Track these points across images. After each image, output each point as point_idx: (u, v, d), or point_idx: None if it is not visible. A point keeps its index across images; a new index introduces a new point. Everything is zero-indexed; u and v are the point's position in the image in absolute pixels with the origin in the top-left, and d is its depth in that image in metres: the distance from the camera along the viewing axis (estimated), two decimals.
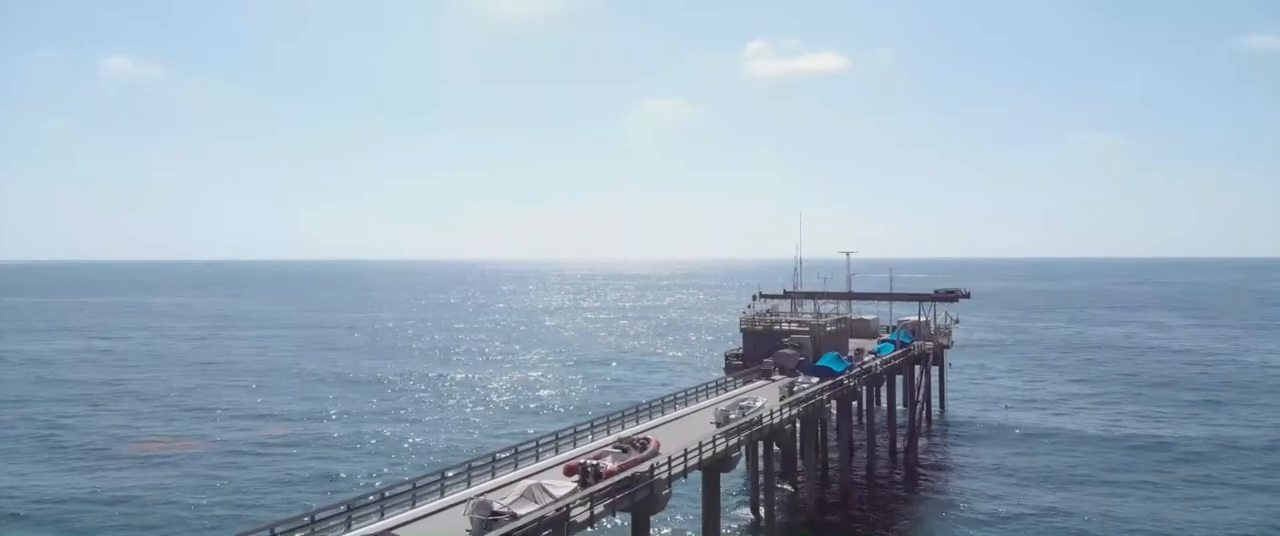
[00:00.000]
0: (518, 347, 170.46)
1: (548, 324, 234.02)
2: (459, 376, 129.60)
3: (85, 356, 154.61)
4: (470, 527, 31.16)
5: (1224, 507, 61.47)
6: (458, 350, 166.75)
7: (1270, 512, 59.72)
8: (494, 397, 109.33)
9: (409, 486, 35.92)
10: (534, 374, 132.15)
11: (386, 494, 34.77)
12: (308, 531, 30.31)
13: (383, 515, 33.58)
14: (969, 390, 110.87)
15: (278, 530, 29.38)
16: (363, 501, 33.68)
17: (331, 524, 31.44)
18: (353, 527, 32.07)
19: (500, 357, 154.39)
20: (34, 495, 65.36)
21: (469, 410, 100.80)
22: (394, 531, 30.88)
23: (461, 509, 32.23)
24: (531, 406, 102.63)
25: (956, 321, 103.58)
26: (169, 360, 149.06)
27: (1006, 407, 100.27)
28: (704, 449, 44.49)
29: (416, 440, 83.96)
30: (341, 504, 32.71)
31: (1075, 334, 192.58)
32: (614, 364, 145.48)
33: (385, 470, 70.95)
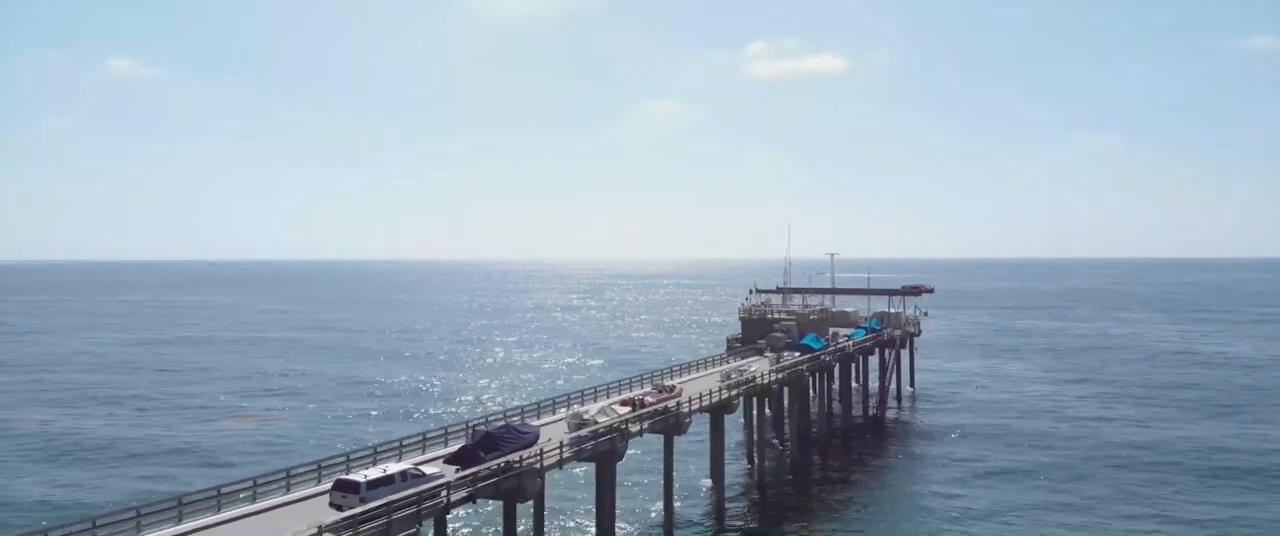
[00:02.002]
0: (543, 338, 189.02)
1: (562, 319, 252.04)
2: (492, 363, 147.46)
3: (142, 349, 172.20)
4: (567, 430, 49.02)
5: (1155, 495, 66.48)
6: (486, 341, 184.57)
7: (1209, 504, 64.19)
8: (533, 377, 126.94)
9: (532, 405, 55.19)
10: (566, 358, 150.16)
11: (544, 403, 56.44)
12: (479, 424, 48.04)
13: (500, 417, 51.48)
14: (943, 374, 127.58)
15: (420, 441, 46.95)
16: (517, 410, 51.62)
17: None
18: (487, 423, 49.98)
19: (530, 347, 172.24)
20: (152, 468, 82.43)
21: (512, 385, 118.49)
22: (540, 427, 48.65)
23: (564, 418, 50.24)
24: (569, 383, 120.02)
25: (926, 313, 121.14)
26: (222, 351, 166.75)
27: (978, 387, 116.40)
28: (713, 395, 62.35)
29: (479, 399, 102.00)
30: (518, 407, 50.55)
31: (1055, 330, 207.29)
32: (633, 350, 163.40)
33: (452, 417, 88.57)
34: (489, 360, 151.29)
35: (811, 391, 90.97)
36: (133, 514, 34.02)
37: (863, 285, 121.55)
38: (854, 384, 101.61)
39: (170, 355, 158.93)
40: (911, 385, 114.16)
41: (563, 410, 57.72)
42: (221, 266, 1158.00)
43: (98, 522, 32.83)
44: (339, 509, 34.93)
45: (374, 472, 36.41)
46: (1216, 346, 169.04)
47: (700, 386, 67.08)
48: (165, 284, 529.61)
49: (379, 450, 43.51)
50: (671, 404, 57.57)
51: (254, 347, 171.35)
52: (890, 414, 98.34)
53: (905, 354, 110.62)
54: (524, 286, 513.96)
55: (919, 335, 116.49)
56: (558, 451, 44.60)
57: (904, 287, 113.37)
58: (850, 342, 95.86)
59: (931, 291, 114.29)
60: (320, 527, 32.01)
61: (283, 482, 39.21)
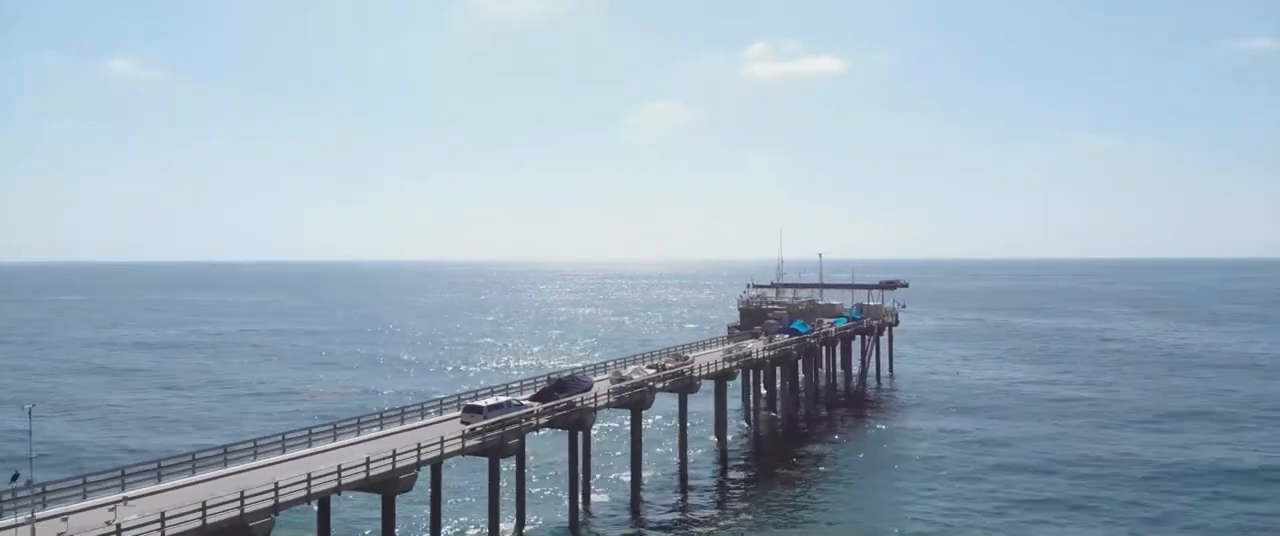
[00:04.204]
0: (558, 332, 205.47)
1: (569, 317, 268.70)
2: (514, 354, 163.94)
3: (184, 342, 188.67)
4: (610, 383, 65.61)
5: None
6: (505, 337, 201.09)
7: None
8: (561, 362, 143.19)
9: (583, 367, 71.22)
10: (584, 348, 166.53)
11: (589, 367, 72.66)
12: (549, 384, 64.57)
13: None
14: (920, 361, 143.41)
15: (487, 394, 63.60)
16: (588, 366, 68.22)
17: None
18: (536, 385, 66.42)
19: (548, 341, 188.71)
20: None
21: (541, 367, 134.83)
22: (595, 380, 65.18)
23: (608, 375, 66.89)
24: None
25: (903, 306, 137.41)
26: (259, 343, 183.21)
27: (952, 373, 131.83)
28: (717, 365, 78.95)
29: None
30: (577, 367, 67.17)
31: (1036, 326, 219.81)
32: (644, 342, 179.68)
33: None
34: (511, 350, 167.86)
35: (800, 369, 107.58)
36: (329, 427, 50.54)
37: (847, 281, 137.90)
38: (839, 370, 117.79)
39: (217, 346, 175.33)
40: (890, 369, 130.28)
41: (602, 373, 74.37)
42: (221, 267, 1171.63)
43: (313, 432, 49.39)
44: (466, 424, 51.30)
45: (491, 400, 52.97)
46: (1187, 341, 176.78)
47: (706, 359, 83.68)
48: (177, 286, 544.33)
49: (479, 393, 60.15)
50: (686, 369, 74.14)
51: (290, 344, 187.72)
52: (868, 391, 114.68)
53: (884, 341, 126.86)
54: (528, 287, 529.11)
55: (897, 325, 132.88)
56: (606, 396, 61.23)
57: (881, 283, 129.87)
58: (833, 329, 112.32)
59: (906, 286, 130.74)
60: (463, 434, 48.66)
61: (418, 411, 55.87)
